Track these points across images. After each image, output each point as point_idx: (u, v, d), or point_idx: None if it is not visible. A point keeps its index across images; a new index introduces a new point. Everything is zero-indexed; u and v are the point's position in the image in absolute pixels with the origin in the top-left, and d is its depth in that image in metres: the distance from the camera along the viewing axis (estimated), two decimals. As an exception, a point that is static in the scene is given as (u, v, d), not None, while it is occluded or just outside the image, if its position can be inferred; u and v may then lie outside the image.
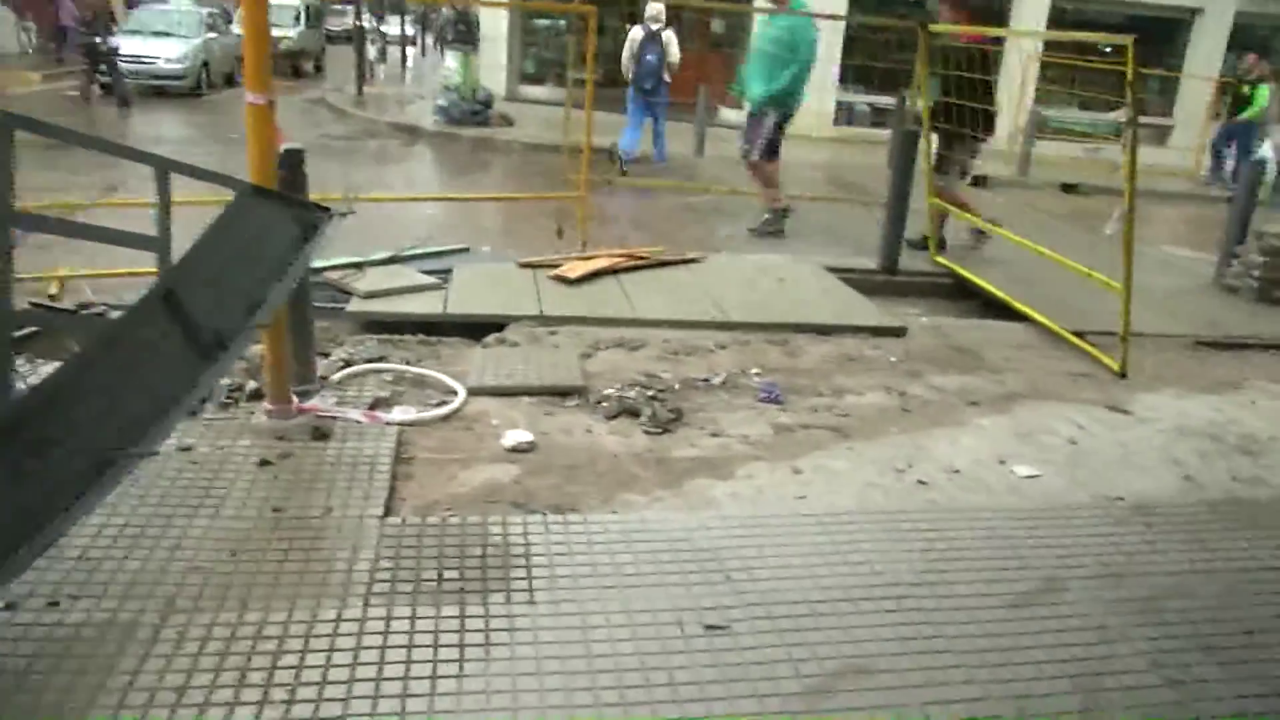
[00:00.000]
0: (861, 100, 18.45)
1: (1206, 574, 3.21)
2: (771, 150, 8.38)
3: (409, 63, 30.30)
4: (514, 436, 3.85)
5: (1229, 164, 15.30)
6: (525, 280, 6.01)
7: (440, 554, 2.93)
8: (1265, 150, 14.13)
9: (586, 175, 6.87)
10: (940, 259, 7.45)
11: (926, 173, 7.28)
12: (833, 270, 7.01)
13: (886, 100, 16.83)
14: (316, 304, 5.25)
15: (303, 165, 3.78)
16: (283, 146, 3.65)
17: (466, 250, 6.80)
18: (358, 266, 5.80)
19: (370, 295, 5.37)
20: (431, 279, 5.81)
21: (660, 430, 4.07)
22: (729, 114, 19.42)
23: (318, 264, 5.80)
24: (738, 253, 7.57)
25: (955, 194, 7.75)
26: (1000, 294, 6.57)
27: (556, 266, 6.30)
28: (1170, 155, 17.38)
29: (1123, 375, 5.28)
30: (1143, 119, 16.68)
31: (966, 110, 7.05)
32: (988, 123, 7.42)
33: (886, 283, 7.21)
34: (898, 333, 5.68)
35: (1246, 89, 15.35)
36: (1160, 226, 12.25)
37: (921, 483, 3.75)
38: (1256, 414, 4.92)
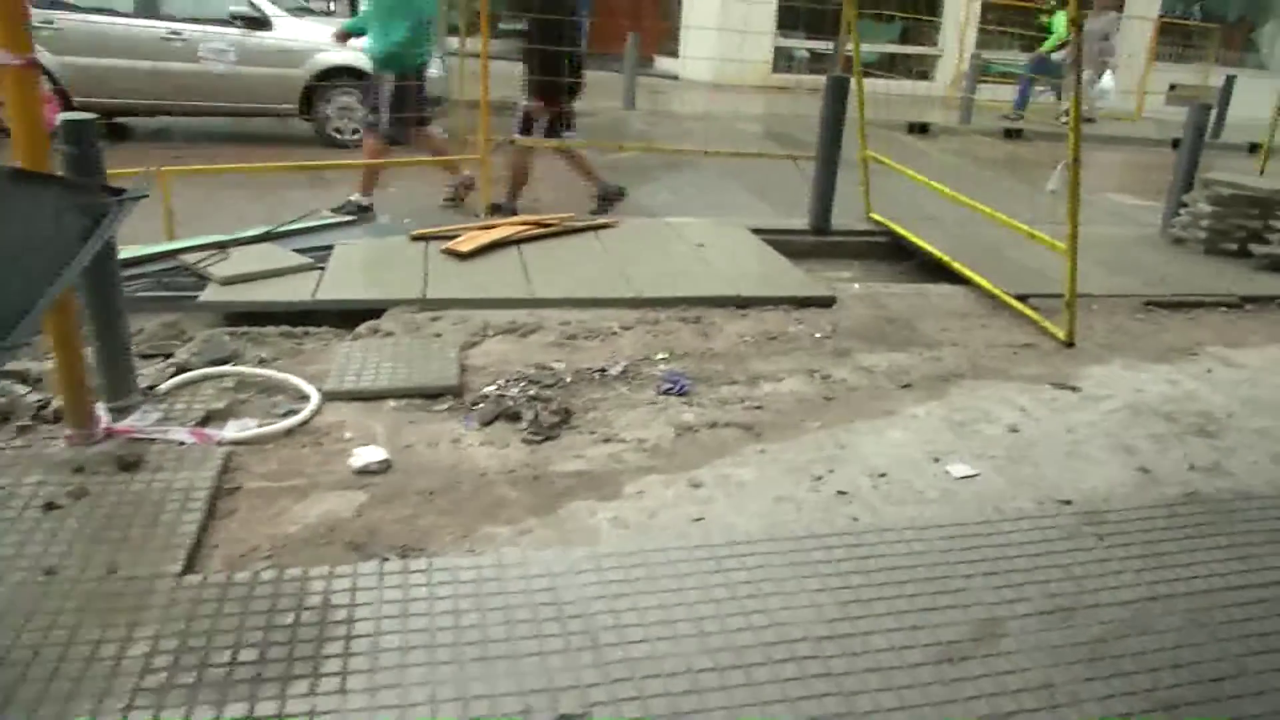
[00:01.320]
0: (801, 45, 17.79)
1: (1166, 601, 2.74)
2: (418, 118, 6.87)
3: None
4: (365, 455, 3.27)
5: (1041, 93, 14.74)
6: (415, 256, 5.38)
7: (241, 625, 2.36)
8: (1106, 81, 13.77)
9: (486, 135, 6.21)
10: (876, 216, 6.92)
11: (860, 125, 6.71)
12: (759, 232, 6.46)
13: (826, 45, 16.22)
14: (166, 294, 4.61)
15: (93, 138, 3.12)
16: (59, 118, 2.98)
17: (354, 222, 6.15)
18: (221, 247, 5.13)
19: (229, 281, 4.72)
20: (305, 259, 5.17)
21: (542, 438, 3.51)
22: (667, 63, 18.72)
23: (177, 245, 5.14)
24: (658, 214, 6.96)
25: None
26: (939, 254, 6.07)
27: (453, 238, 5.67)
28: (1115, 98, 16.98)
29: (1069, 344, 4.81)
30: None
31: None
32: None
33: (818, 244, 6.68)
34: (825, 303, 5.15)
35: (1045, 19, 14.76)
36: (1103, 172, 11.85)
37: (842, 493, 3.23)
38: (1212, 385, 4.48)
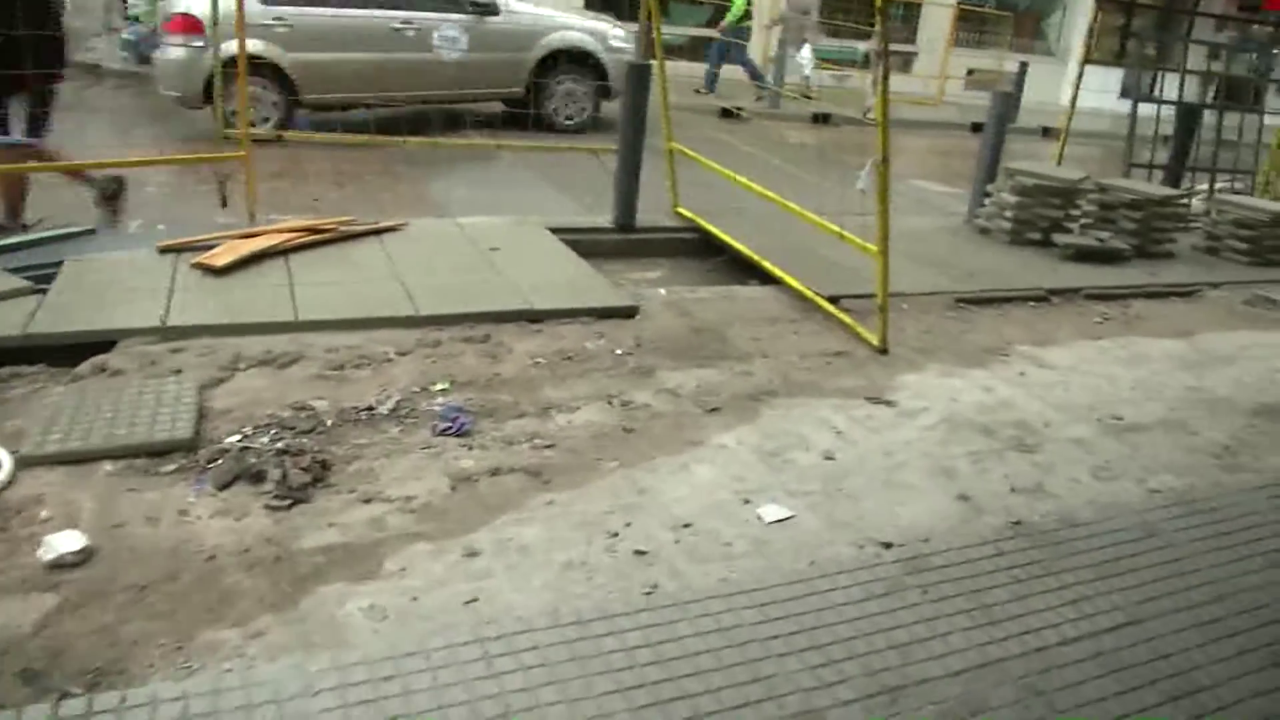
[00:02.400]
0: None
1: (999, 667, 2.42)
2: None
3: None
4: (59, 543, 2.61)
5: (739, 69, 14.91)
6: (161, 273, 4.63)
7: None
8: (805, 53, 14.08)
9: (247, 128, 5.46)
10: (683, 210, 6.54)
11: (664, 113, 6.31)
12: (560, 232, 5.97)
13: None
14: None
15: None
16: None
17: (93, 232, 5.30)
18: (-95, 268, 4.24)
19: (-93, 312, 3.87)
20: (22, 281, 4.35)
21: (290, 502, 2.93)
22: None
23: None
24: (452, 213, 6.37)
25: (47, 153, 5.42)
26: (748, 252, 5.74)
27: (211, 248, 4.94)
28: (915, 83, 17.38)
29: (883, 351, 4.54)
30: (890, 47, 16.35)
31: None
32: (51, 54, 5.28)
33: (623, 243, 6.25)
34: (628, 313, 4.72)
35: None
36: (907, 158, 11.95)
37: (640, 552, 2.80)
38: (1027, 390, 4.29)
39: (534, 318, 4.55)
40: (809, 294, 5.14)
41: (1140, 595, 2.81)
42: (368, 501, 2.98)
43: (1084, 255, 6.58)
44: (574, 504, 3.04)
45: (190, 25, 8.05)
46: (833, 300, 5.08)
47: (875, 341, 4.57)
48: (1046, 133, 15.28)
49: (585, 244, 5.99)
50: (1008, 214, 6.87)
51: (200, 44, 7.90)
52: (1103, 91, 19.40)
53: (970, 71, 18.34)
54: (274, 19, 8.22)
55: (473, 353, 4.14)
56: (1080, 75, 7.90)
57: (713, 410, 3.81)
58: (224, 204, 5.74)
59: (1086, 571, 2.89)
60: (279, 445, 3.18)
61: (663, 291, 5.19)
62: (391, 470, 3.16)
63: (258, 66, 7.91)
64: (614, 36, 10.03)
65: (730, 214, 6.48)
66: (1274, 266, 7.18)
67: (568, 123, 9.85)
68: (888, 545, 2.95)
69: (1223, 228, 7.28)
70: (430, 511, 2.94)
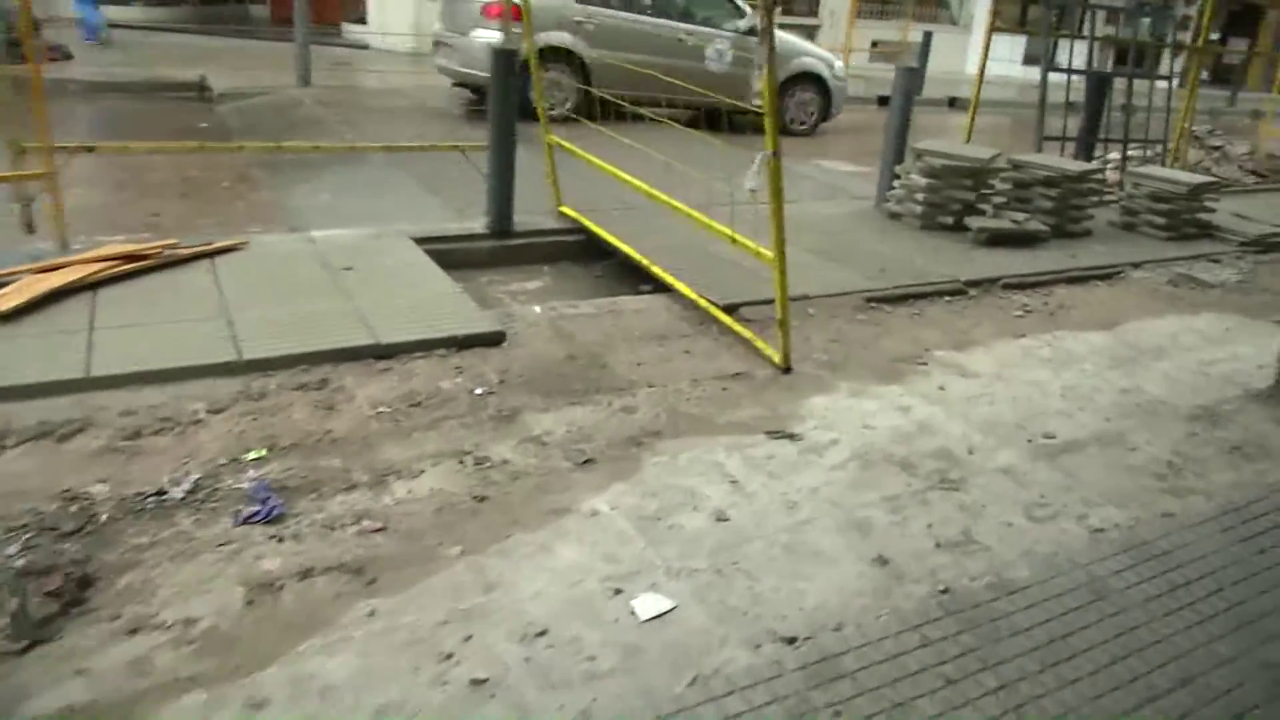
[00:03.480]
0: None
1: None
2: None
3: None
4: None
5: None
6: (-70, 320, 3.86)
7: None
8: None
9: (48, 140, 4.67)
10: (567, 209, 5.92)
11: (538, 102, 5.66)
12: (426, 242, 5.31)
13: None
14: None
15: None
16: None
17: None
18: None
19: None
20: None
21: (26, 644, 2.25)
22: (358, 31, 17.03)
23: None
24: (309, 224, 5.65)
25: None
26: (636, 256, 5.14)
27: (4, 285, 4.18)
28: (819, 55, 16.93)
29: (786, 369, 3.99)
30: (789, 19, 15.96)
31: None
32: None
33: (499, 250, 5.61)
34: (494, 340, 4.10)
35: None
36: (817, 137, 11.50)
37: (479, 681, 2.19)
38: (948, 407, 3.78)
39: (383, 353, 3.90)
40: (703, 303, 4.56)
41: (1093, 688, 2.30)
42: (134, 632, 2.32)
43: (1000, 239, 6.14)
44: (402, 613, 2.42)
45: (510, 12, 8.39)
46: (730, 310, 4.52)
47: (777, 359, 4.02)
48: (953, 103, 14.99)
49: (456, 254, 5.36)
50: (918, 197, 6.40)
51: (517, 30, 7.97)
52: (1009, 60, 19.28)
53: (875, 43, 17.99)
54: (584, 17, 9.62)
55: (304, 404, 3.48)
56: (988, 45, 7.45)
57: (585, 463, 3.21)
58: (30, 230, 4.94)
59: (1029, 660, 2.37)
60: (23, 561, 2.49)
61: (537, 309, 4.57)
62: (174, 581, 2.50)
63: (563, 56, 9.52)
64: (839, 67, 11.75)
65: (619, 211, 5.90)
66: (1191, 240, 6.84)
67: (799, 127, 11.41)
68: (791, 641, 2.39)
69: (1139, 201, 6.92)
70: (213, 641, 2.30)
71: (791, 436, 3.49)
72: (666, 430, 3.47)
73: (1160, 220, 6.76)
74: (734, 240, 4.09)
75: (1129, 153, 8.22)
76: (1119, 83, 8.24)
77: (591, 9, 9.74)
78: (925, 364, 4.28)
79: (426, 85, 12.21)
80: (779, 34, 10.24)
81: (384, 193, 6.64)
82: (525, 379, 3.81)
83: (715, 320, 4.49)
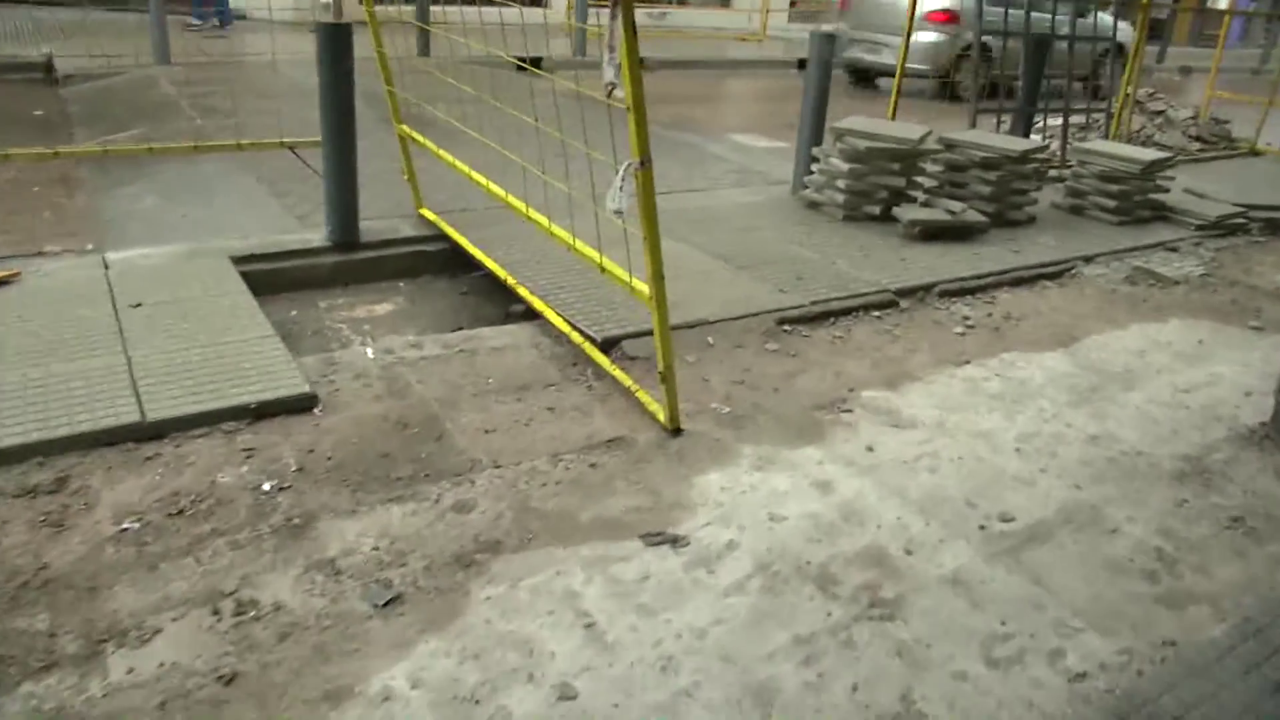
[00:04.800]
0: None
1: None
2: None
3: None
4: None
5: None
6: None
7: None
8: None
9: None
10: (427, 212, 4.95)
11: (386, 85, 4.66)
12: (250, 261, 4.32)
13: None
14: None
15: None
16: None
17: None
18: None
19: None
20: None
21: None
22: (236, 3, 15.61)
23: None
24: (123, 238, 4.62)
25: None
26: (504, 275, 4.21)
27: None
28: (737, 18, 16.00)
29: (676, 431, 3.10)
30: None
31: None
32: None
33: (344, 266, 4.64)
34: (303, 405, 3.14)
35: None
36: (725, 106, 10.59)
37: None
38: (878, 479, 2.95)
39: (150, 433, 2.95)
40: (576, 338, 3.65)
41: None
42: None
43: (934, 232, 5.33)
44: None
45: (949, 18, 10.85)
46: (609, 346, 3.63)
47: (663, 418, 3.13)
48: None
49: (290, 274, 4.40)
50: (840, 185, 5.55)
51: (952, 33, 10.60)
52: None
53: (794, 2, 17.08)
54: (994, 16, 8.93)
55: (23, 521, 2.53)
56: (914, 6, 6.58)
57: (390, 604, 2.31)
58: None
59: None
60: None
61: (370, 351, 3.62)
62: None
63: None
64: None
65: (495, 212, 4.94)
66: (1145, 225, 6.11)
67: None
68: None
69: (1086, 182, 6.15)
70: None
71: (675, 541, 2.62)
72: (510, 539, 2.58)
73: (1110, 203, 6.01)
74: (602, 269, 3.18)
75: (1070, 122, 7.46)
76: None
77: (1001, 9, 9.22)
78: (850, 410, 3.43)
79: (307, 59, 11.00)
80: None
81: (219, 195, 5.59)
82: (335, 463, 2.88)
83: (592, 360, 3.59)
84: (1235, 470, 3.29)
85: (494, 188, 3.89)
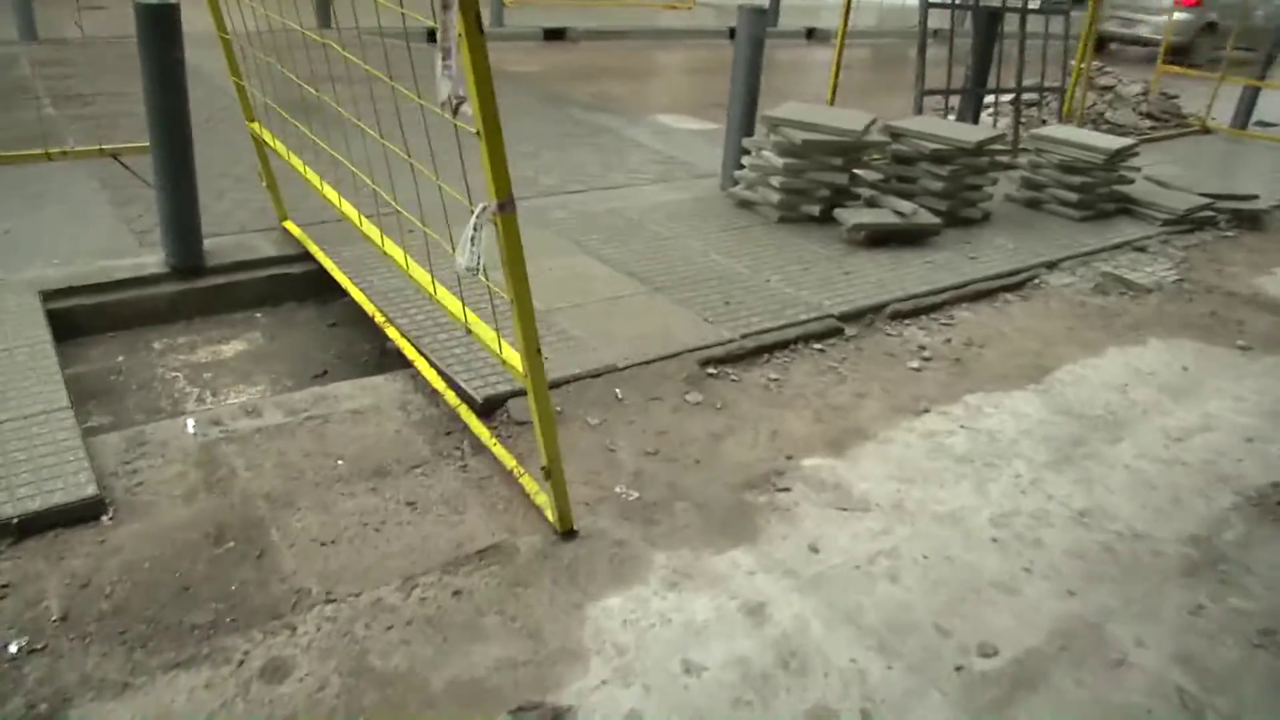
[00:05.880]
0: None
1: None
2: None
3: None
4: None
5: None
6: None
7: None
8: None
9: None
10: (292, 226, 4.16)
11: (232, 76, 3.85)
12: (65, 294, 3.53)
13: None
14: None
15: None
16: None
17: None
18: None
19: None
20: None
21: None
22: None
23: None
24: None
25: None
26: (371, 308, 3.46)
27: None
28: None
29: (568, 533, 2.41)
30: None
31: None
32: None
33: (186, 296, 3.86)
34: (87, 513, 2.39)
35: None
36: (650, 83, 9.83)
37: None
38: (825, 596, 2.34)
39: None
40: (450, 396, 2.93)
41: None
42: None
43: (882, 237, 4.67)
44: None
45: (1195, 1, 13.53)
46: (493, 407, 2.91)
47: (552, 517, 2.43)
48: (811, 35, 13.50)
49: (120, 308, 3.65)
50: (774, 182, 4.87)
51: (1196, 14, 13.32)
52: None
53: (727, -34, 16.28)
54: None
55: None
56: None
57: None
58: None
59: None
60: None
61: (190, 425, 2.86)
62: None
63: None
64: None
65: (372, 221, 4.15)
66: (1109, 220, 5.54)
67: None
68: None
69: (1045, 173, 5.55)
70: None
71: (557, 713, 1.92)
72: (328, 731, 1.86)
73: (1072, 196, 5.43)
74: (468, 328, 2.45)
75: (1021, 102, 6.85)
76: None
77: None
78: (789, 489, 2.77)
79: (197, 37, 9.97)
80: None
81: (50, 204, 4.72)
82: (114, 605, 2.15)
83: (472, 427, 2.87)
84: (1253, 555, 2.70)
85: (346, 207, 3.14)
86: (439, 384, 3.05)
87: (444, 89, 1.88)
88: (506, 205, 1.97)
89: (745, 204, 5.11)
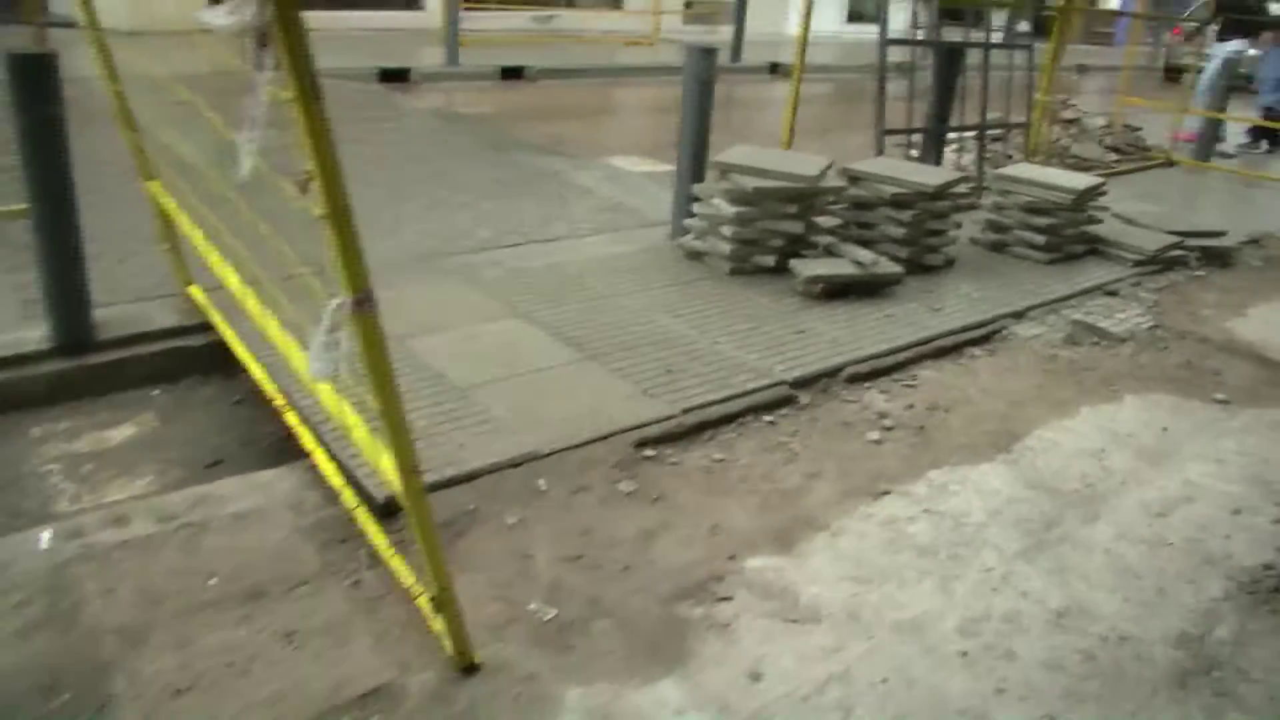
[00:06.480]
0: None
1: None
2: None
3: None
4: None
5: None
6: None
7: None
8: None
9: None
10: (196, 291, 3.81)
11: (123, 129, 3.50)
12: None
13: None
14: None
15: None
16: None
17: None
18: None
19: None
20: None
21: None
22: (67, 4, 13.98)
23: None
24: None
25: None
26: (269, 388, 3.10)
27: None
28: (630, 20, 15.02)
29: (470, 668, 2.05)
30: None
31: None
32: None
33: (69, 375, 3.51)
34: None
35: None
36: (608, 123, 9.56)
37: None
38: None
39: None
40: (351, 500, 2.57)
41: None
42: None
43: (839, 289, 4.37)
44: None
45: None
46: (394, 509, 2.55)
47: (449, 648, 2.08)
48: (775, 70, 13.33)
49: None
50: (726, 231, 4.56)
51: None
52: (834, 18, 17.80)
53: (689, 4, 16.16)
54: None
55: None
56: (809, 12, 5.64)
57: None
58: None
59: None
60: None
61: (43, 540, 2.49)
62: None
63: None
64: None
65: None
66: (1077, 262, 5.28)
67: None
68: None
69: (1010, 214, 5.28)
70: None
71: None
72: None
73: (1039, 239, 5.17)
74: (348, 428, 2.11)
75: (983, 140, 6.62)
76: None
77: None
78: (730, 598, 2.44)
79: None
80: None
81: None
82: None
83: (370, 534, 2.51)
84: (1249, 657, 2.39)
85: (230, 278, 2.79)
86: (337, 480, 2.69)
87: (246, 164, 1.54)
88: (364, 301, 1.64)
89: (695, 255, 4.80)
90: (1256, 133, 9.48)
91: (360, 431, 2.08)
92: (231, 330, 3.51)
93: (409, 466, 1.80)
